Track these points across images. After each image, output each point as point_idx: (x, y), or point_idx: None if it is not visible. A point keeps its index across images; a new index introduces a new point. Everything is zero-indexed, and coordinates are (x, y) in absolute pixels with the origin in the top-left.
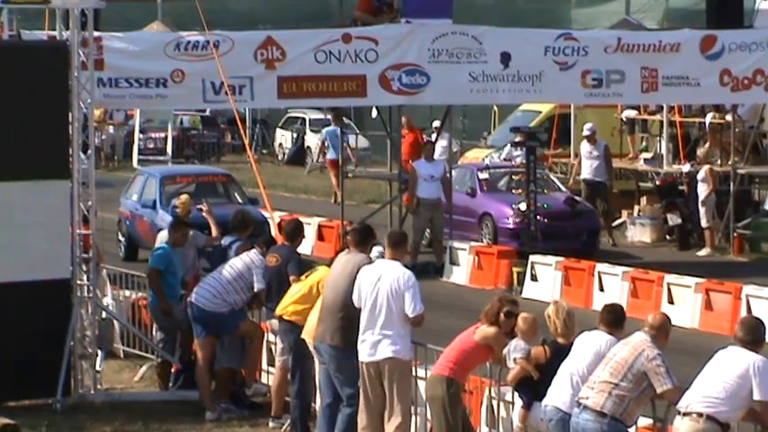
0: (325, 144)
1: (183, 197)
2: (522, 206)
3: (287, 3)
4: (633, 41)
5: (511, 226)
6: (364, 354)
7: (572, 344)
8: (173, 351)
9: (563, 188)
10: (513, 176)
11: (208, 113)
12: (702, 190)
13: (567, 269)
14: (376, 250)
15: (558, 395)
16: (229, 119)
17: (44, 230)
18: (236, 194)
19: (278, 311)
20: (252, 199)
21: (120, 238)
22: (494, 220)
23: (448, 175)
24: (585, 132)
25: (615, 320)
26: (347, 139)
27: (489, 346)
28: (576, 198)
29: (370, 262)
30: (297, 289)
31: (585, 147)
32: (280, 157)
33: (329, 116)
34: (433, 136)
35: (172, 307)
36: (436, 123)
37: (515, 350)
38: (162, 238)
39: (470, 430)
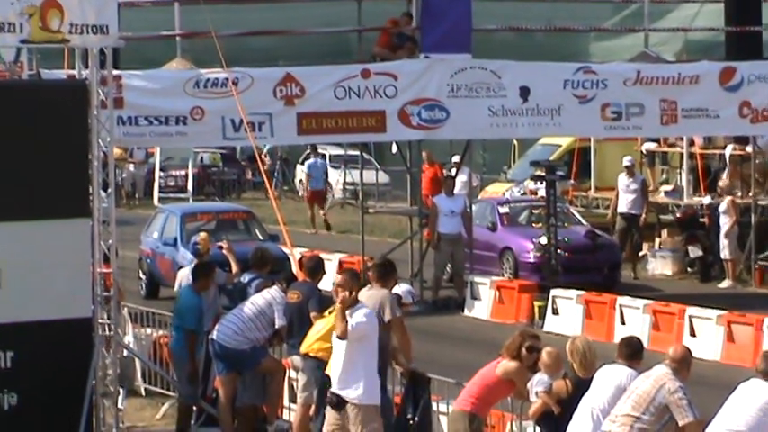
0: (309, 177)
1: (203, 234)
2: (543, 240)
3: (306, 39)
4: (652, 74)
5: (532, 260)
6: None
7: (593, 378)
8: (190, 390)
9: (583, 221)
10: (534, 210)
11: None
12: (725, 222)
13: (588, 302)
14: (404, 288)
15: (579, 429)
16: (249, 156)
17: (65, 269)
18: (256, 231)
19: (303, 349)
20: (272, 235)
21: (141, 275)
22: (515, 255)
23: (468, 209)
24: (626, 163)
25: (633, 353)
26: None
27: (511, 380)
28: (597, 231)
29: (392, 297)
30: (321, 326)
31: (623, 180)
32: (300, 194)
33: (353, 151)
34: (453, 171)
35: (197, 370)
36: (456, 158)
37: (538, 384)
38: (182, 275)
39: None
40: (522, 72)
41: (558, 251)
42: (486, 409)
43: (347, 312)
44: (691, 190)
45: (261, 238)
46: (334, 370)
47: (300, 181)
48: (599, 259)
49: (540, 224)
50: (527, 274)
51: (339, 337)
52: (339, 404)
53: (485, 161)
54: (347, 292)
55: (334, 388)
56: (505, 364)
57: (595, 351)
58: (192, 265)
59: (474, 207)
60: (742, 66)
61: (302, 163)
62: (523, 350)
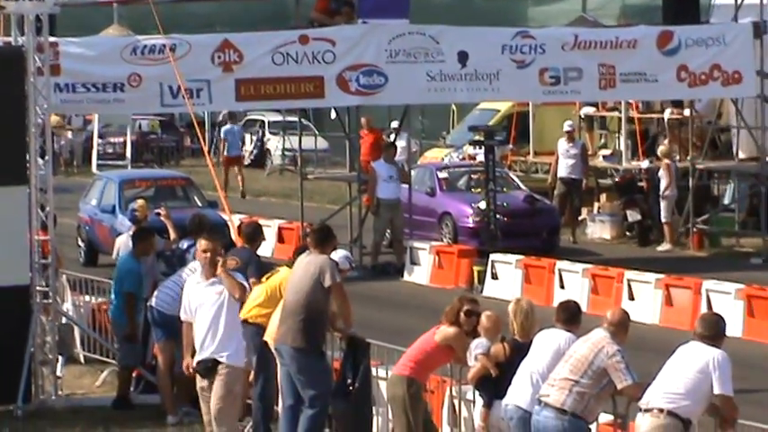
0: (225, 143)
1: (141, 201)
2: (482, 205)
3: (244, 5)
4: (590, 38)
5: (471, 225)
6: None
7: (531, 341)
8: (130, 356)
9: (522, 186)
10: (473, 175)
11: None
12: (663, 185)
13: (527, 267)
14: (340, 254)
15: (518, 394)
16: (188, 122)
17: (2, 237)
18: (195, 198)
19: (242, 315)
20: (211, 202)
21: (80, 243)
22: (454, 220)
23: (407, 175)
24: (566, 128)
25: (571, 317)
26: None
27: (450, 346)
28: (536, 196)
29: (332, 263)
30: (260, 292)
31: (563, 145)
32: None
33: (291, 117)
34: (392, 136)
35: (137, 333)
36: (395, 124)
37: (477, 348)
38: (121, 242)
39: (433, 430)
40: (461, 37)
41: (497, 216)
42: (424, 374)
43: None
44: (629, 154)
45: (199, 204)
46: (199, 336)
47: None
48: (538, 224)
49: (479, 189)
50: (466, 239)
51: (238, 299)
52: (210, 370)
53: (423, 126)
54: (226, 258)
55: (206, 353)
56: (444, 330)
57: (536, 316)
58: (131, 232)
59: (413, 172)
60: (679, 30)
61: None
62: (462, 315)
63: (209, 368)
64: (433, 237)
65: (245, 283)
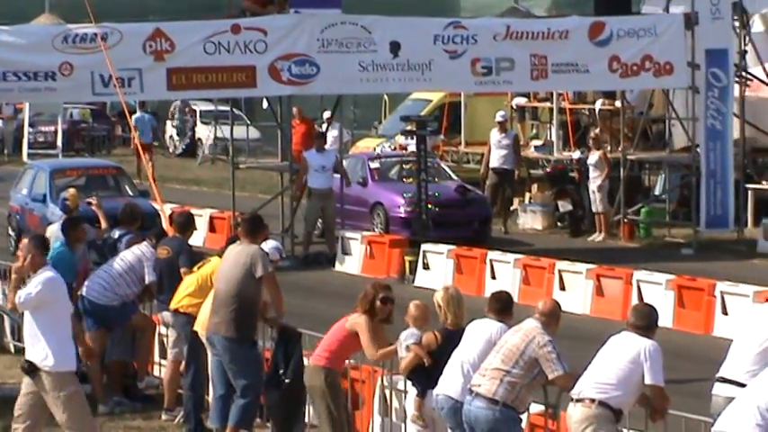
0: (137, 130)
1: (72, 191)
2: (413, 195)
3: None
4: (522, 29)
5: (402, 215)
6: None
7: (462, 329)
8: None
9: (454, 177)
10: (405, 165)
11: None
12: (595, 175)
13: (458, 257)
14: (271, 244)
15: (449, 384)
16: (119, 112)
17: None
18: (126, 187)
19: (173, 305)
20: (142, 191)
21: (11, 232)
22: (385, 210)
23: (341, 164)
24: (498, 119)
25: (503, 308)
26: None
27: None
28: (467, 186)
29: (263, 253)
30: (191, 281)
31: (495, 135)
32: (171, 149)
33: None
34: (324, 126)
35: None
36: (327, 114)
37: (408, 338)
38: (51, 232)
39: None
40: (393, 27)
41: (429, 206)
42: (339, 363)
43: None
44: (560, 145)
45: (131, 193)
46: (25, 338)
47: (171, 137)
48: (469, 214)
49: (411, 179)
50: (398, 229)
51: (13, 309)
52: (31, 371)
53: (356, 116)
54: (21, 260)
55: (27, 355)
56: (354, 319)
57: (465, 304)
58: (62, 221)
59: (345, 162)
60: (611, 20)
61: (172, 119)
62: (377, 302)
63: (28, 369)
64: (365, 227)
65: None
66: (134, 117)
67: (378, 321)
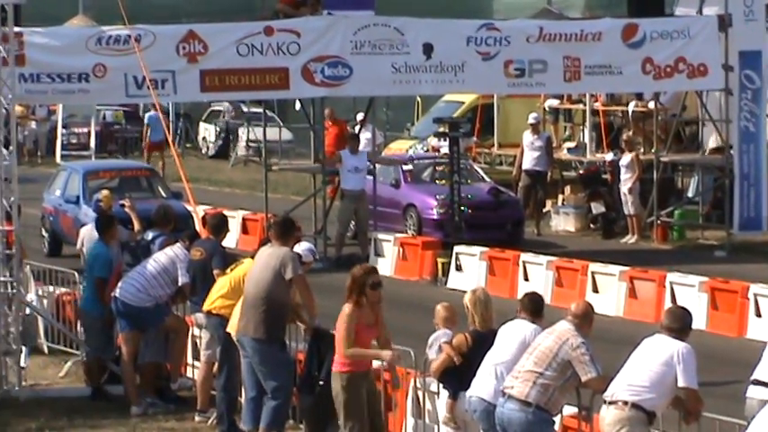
0: (149, 129)
1: (105, 192)
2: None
3: None
4: (555, 31)
5: (435, 217)
6: None
7: (492, 331)
8: (99, 347)
9: (487, 178)
10: (437, 167)
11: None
12: (627, 177)
13: (491, 259)
14: (304, 246)
15: (482, 386)
16: None
17: None
18: (159, 188)
19: (206, 306)
20: (175, 193)
21: (44, 233)
22: (418, 212)
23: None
24: (531, 121)
25: (535, 309)
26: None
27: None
28: (500, 188)
29: (293, 255)
30: (224, 283)
31: (528, 137)
32: (204, 151)
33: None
34: (357, 128)
35: (110, 322)
36: (360, 115)
37: (440, 338)
38: (85, 233)
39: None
40: (426, 29)
41: (462, 208)
42: (356, 363)
43: None
44: (593, 147)
45: (164, 195)
46: None
47: (204, 138)
48: (502, 216)
49: (444, 181)
50: (430, 231)
51: None
52: None
53: (388, 118)
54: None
55: None
56: (342, 312)
57: (494, 306)
58: (95, 219)
59: (378, 164)
60: (644, 22)
61: (205, 120)
62: (368, 288)
63: None
64: (397, 228)
65: None
66: (146, 115)
67: (368, 306)
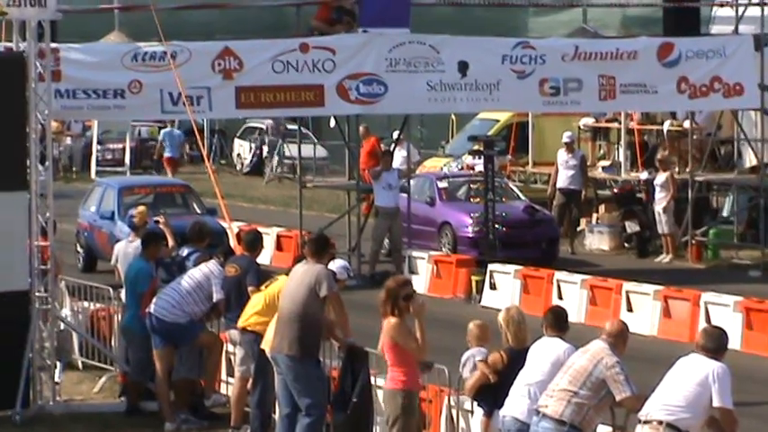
0: (163, 144)
1: (141, 208)
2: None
3: (244, 13)
4: (590, 49)
5: (470, 235)
6: None
7: (527, 350)
8: (144, 366)
9: (522, 196)
10: (472, 185)
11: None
12: (661, 196)
13: (525, 277)
14: (339, 264)
15: (515, 405)
16: (187, 129)
17: (2, 242)
18: (194, 205)
19: (241, 323)
20: (210, 209)
21: (79, 249)
22: (453, 229)
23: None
24: (565, 139)
25: (560, 323)
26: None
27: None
28: (535, 206)
29: (328, 272)
30: (258, 300)
31: (562, 156)
32: (238, 168)
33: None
34: (392, 146)
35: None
36: (395, 134)
37: (476, 355)
38: (119, 249)
39: None
40: (461, 47)
41: (496, 226)
42: (413, 381)
43: None
44: (628, 165)
45: (199, 211)
46: None
47: (238, 155)
48: (537, 234)
49: (479, 199)
50: (465, 249)
51: None
52: None
53: (422, 136)
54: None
55: None
56: (387, 327)
57: (527, 324)
58: (130, 238)
59: (412, 182)
60: (680, 41)
61: (240, 137)
62: (401, 301)
63: None
64: (432, 246)
65: None
66: (162, 131)
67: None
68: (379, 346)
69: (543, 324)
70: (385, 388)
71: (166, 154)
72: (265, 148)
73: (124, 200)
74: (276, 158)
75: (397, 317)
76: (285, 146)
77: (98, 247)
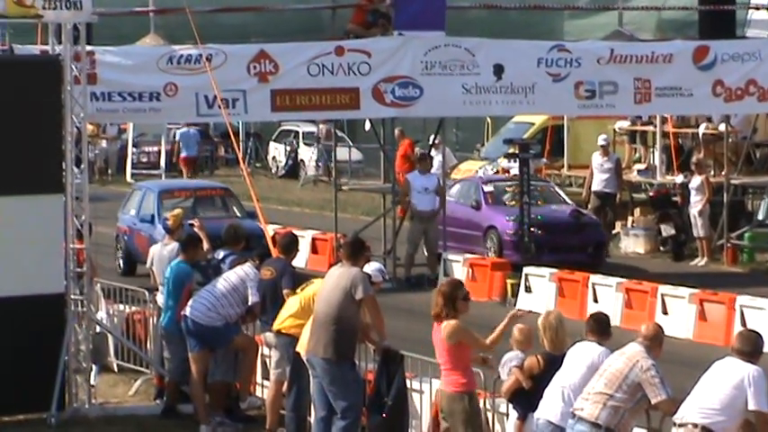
0: (179, 145)
1: (176, 211)
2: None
3: (279, 16)
4: (626, 53)
5: (516, 239)
6: None
7: (564, 354)
8: (185, 368)
9: (568, 200)
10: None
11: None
12: (696, 200)
13: (560, 280)
14: (374, 266)
15: (549, 408)
16: (222, 132)
17: (38, 245)
18: (234, 208)
19: (276, 326)
20: (250, 212)
21: (119, 252)
22: (499, 234)
23: (442, 187)
24: (601, 143)
25: (602, 329)
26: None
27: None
28: (582, 210)
29: (363, 275)
30: (294, 302)
31: (597, 159)
32: (273, 171)
33: (320, 127)
34: (430, 149)
35: None
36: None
37: (511, 360)
38: (154, 252)
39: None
40: (496, 50)
41: (532, 229)
42: (471, 382)
43: None
44: (663, 169)
45: (238, 215)
46: None
47: (273, 158)
48: (584, 239)
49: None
50: (511, 254)
51: None
52: None
53: (458, 139)
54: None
55: None
56: (449, 331)
57: (566, 328)
58: (165, 241)
59: (457, 185)
60: (715, 45)
61: (275, 140)
62: (459, 302)
63: None
64: (477, 251)
65: None
66: (179, 132)
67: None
68: (440, 350)
69: (585, 329)
70: (446, 392)
71: (183, 154)
72: (300, 152)
73: (164, 203)
74: (311, 162)
75: (455, 319)
76: (320, 148)
77: (138, 250)
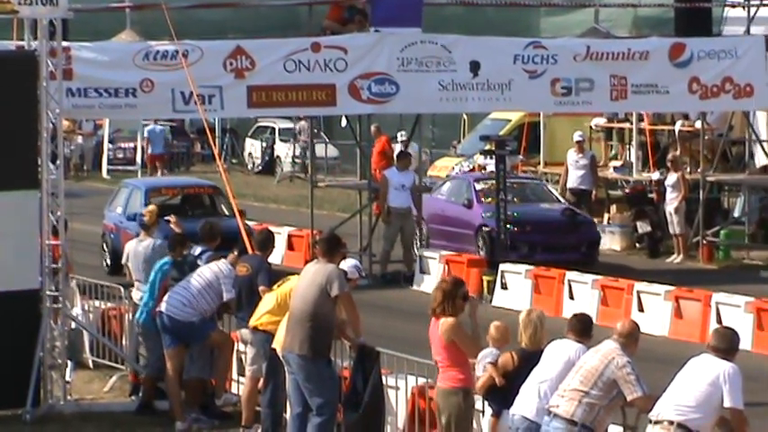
0: (147, 142)
1: (151, 207)
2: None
3: (256, 12)
4: (602, 50)
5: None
6: None
7: (541, 351)
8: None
9: (561, 199)
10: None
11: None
12: (672, 197)
13: (536, 277)
14: (350, 263)
15: (525, 404)
16: (198, 128)
17: (13, 241)
18: (222, 206)
19: (252, 322)
20: (240, 211)
21: (105, 250)
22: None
23: (418, 183)
24: (576, 138)
25: (584, 329)
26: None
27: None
28: (575, 209)
29: (339, 272)
30: (270, 299)
31: (572, 155)
32: (249, 167)
33: (300, 124)
34: (397, 147)
35: None
36: (402, 134)
37: (486, 357)
38: (130, 248)
39: None
40: (473, 47)
41: (507, 226)
42: (469, 378)
43: None
44: (640, 166)
45: (226, 213)
46: None
47: (250, 154)
48: (577, 237)
49: (516, 200)
50: (505, 253)
51: None
52: None
53: (434, 135)
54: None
55: None
56: (445, 327)
57: (546, 327)
58: (140, 238)
59: (448, 184)
60: (691, 42)
61: (252, 136)
62: (459, 300)
63: None
64: (469, 249)
65: None
66: (146, 129)
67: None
68: (437, 346)
69: (566, 327)
70: (441, 387)
71: (151, 151)
72: (276, 148)
73: (151, 201)
74: (287, 159)
75: (453, 317)
76: (296, 145)
77: (124, 248)
